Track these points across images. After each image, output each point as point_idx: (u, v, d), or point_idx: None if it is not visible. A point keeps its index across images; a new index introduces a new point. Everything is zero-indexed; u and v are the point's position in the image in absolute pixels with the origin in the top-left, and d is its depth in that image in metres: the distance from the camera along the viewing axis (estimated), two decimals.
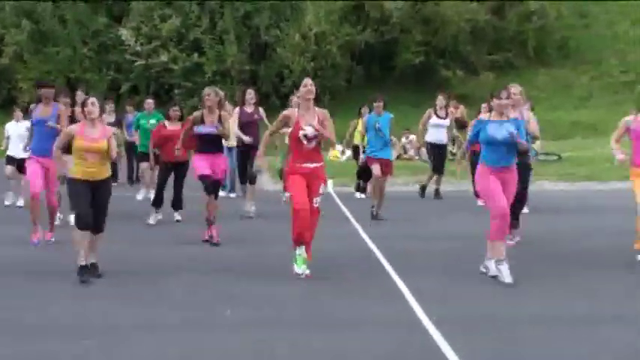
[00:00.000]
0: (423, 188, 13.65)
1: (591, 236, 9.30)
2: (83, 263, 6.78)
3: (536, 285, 6.73)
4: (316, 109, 7.15)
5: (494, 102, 6.98)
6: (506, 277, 6.67)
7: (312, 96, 7.07)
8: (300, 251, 6.95)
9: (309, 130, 6.94)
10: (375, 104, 10.86)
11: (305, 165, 7.03)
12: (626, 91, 26.17)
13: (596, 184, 15.76)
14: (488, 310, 5.92)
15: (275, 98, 24.92)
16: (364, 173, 13.34)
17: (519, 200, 7.89)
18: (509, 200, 6.86)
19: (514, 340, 5.13)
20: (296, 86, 7.46)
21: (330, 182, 14.68)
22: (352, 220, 10.67)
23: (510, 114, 7.12)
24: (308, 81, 7.14)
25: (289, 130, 7.18)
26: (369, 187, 12.97)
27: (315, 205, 7.01)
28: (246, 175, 10.92)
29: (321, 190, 7.08)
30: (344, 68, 26.72)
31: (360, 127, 13.02)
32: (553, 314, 5.78)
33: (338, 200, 12.85)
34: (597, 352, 4.91)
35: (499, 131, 6.84)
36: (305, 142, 6.97)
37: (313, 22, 26.16)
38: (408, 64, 26.86)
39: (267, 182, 15.35)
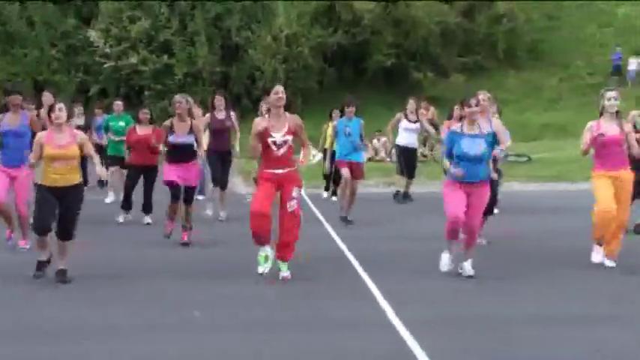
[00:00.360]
0: (405, 194, 13.53)
1: (560, 236, 9.40)
2: (42, 259, 6.88)
3: (506, 285, 6.79)
4: (287, 115, 7.05)
5: (465, 110, 7.04)
6: (468, 271, 6.99)
7: (283, 103, 6.97)
8: (264, 251, 6.96)
9: (277, 137, 6.88)
10: (346, 109, 10.72)
11: (275, 171, 6.96)
12: (593, 93, 26.34)
13: (566, 185, 15.96)
14: (460, 311, 5.95)
15: (247, 100, 24.86)
16: (336, 175, 13.34)
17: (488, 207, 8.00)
18: (476, 214, 7.01)
19: (487, 340, 5.15)
20: (266, 90, 7.36)
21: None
22: (324, 222, 10.68)
23: (479, 119, 7.21)
24: (279, 88, 7.02)
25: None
26: (339, 190, 12.96)
27: (290, 210, 6.94)
28: (218, 179, 10.85)
29: (294, 194, 6.97)
30: (316, 70, 26.73)
31: (330, 131, 13.03)
32: (525, 314, 5.82)
33: (309, 202, 12.83)
34: (578, 353, 4.95)
35: (472, 147, 6.91)
36: (274, 148, 6.91)
37: (284, 23, 26.14)
38: (380, 66, 26.99)
39: (239, 185, 15.29)
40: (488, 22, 28.55)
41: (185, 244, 8.70)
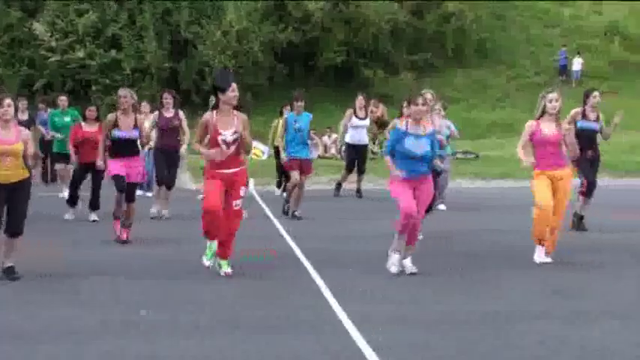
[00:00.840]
0: (339, 185, 13.73)
1: (505, 233, 9.56)
2: None
3: (453, 282, 6.87)
4: (235, 112, 6.89)
5: (412, 108, 7.08)
6: (410, 268, 7.06)
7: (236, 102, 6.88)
8: (211, 244, 6.94)
9: (227, 135, 6.78)
10: (296, 104, 10.74)
11: (223, 171, 6.84)
12: (539, 92, 27.02)
13: (512, 182, 16.25)
14: (410, 308, 6.00)
15: (195, 96, 24.67)
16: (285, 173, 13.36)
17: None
18: (421, 209, 7.06)
19: (438, 337, 5.21)
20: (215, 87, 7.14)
21: (251, 181, 14.64)
22: (273, 219, 10.66)
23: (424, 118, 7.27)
24: (235, 85, 6.83)
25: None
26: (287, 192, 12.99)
27: (235, 208, 6.91)
28: (162, 179, 10.75)
29: (242, 193, 6.95)
30: (266, 67, 26.67)
31: (280, 128, 13.04)
32: (469, 310, 5.90)
33: (259, 199, 12.81)
34: (523, 345, 5.04)
35: (416, 147, 6.97)
36: (224, 147, 6.77)
37: (234, 19, 26.00)
38: (330, 64, 27.07)
39: (188, 182, 15.17)
40: (438, 20, 28.87)
41: (125, 242, 8.61)
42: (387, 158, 7.17)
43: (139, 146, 9.16)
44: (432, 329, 5.39)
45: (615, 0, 31.78)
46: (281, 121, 12.98)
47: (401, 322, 5.58)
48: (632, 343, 5.01)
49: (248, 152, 7.72)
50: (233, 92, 6.79)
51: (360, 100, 13.42)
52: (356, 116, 13.32)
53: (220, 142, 6.78)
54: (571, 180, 7.79)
